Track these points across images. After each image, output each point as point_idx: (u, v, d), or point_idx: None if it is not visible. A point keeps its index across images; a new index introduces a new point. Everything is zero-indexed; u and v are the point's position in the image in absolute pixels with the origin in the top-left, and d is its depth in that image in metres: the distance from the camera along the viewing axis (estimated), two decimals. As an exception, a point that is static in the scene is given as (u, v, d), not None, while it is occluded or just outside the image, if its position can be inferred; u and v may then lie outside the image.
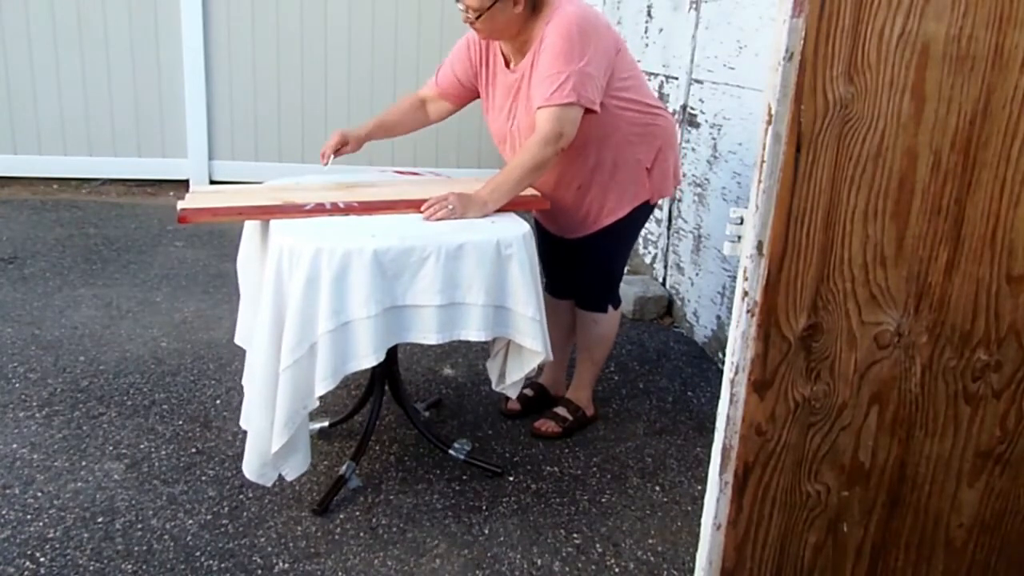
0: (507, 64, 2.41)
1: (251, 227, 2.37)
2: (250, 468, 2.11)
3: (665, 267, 3.96)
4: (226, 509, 2.25)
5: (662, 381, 3.20)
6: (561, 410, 2.77)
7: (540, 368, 2.69)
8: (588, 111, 2.25)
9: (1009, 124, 1.32)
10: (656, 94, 4.07)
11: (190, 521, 2.19)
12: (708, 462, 1.54)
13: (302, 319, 1.96)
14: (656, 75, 4.10)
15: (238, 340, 2.51)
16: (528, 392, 2.83)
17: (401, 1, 5.62)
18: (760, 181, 1.32)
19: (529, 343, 2.17)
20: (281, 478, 2.14)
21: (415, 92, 2.69)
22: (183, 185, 5.49)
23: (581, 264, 2.62)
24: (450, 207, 2.19)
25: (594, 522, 2.30)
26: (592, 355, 2.75)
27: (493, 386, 2.48)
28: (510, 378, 2.38)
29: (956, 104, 1.31)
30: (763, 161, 1.31)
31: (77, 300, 3.62)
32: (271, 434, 2.03)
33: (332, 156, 2.55)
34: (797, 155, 1.31)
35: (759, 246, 1.35)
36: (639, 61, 4.31)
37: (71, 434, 2.57)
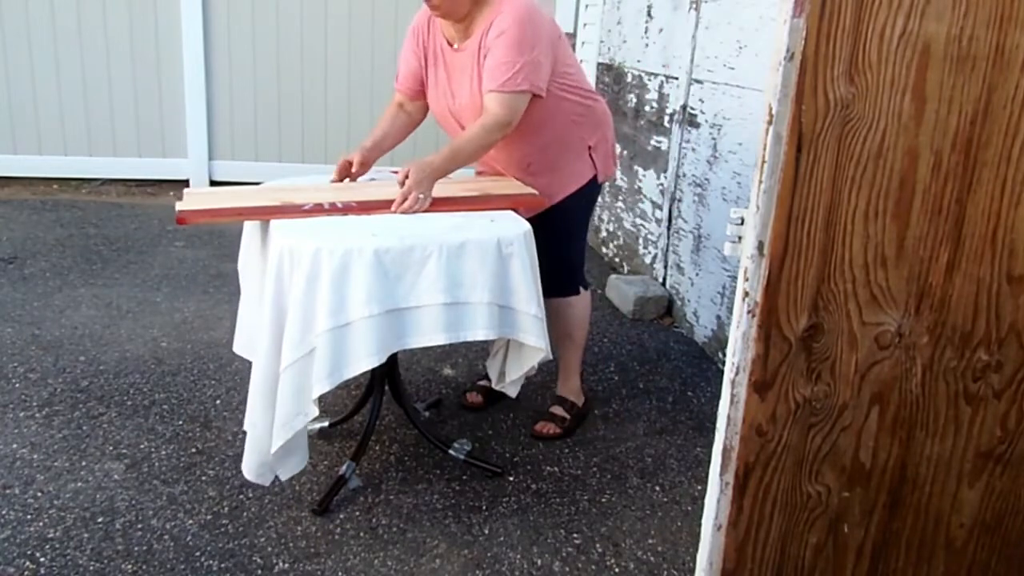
0: (450, 45, 2.49)
1: (250, 230, 2.37)
2: (249, 468, 2.11)
3: (665, 267, 3.96)
4: (226, 509, 2.25)
5: (662, 381, 3.20)
6: (557, 409, 2.78)
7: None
8: (535, 96, 2.37)
9: (1010, 124, 1.32)
10: (656, 94, 4.08)
11: (190, 521, 2.19)
12: (708, 462, 1.54)
13: (303, 319, 1.96)
14: (656, 75, 4.10)
15: (237, 348, 2.50)
16: (486, 383, 2.82)
17: (401, 1, 5.62)
18: (761, 181, 1.32)
19: (532, 341, 2.17)
20: (280, 478, 2.14)
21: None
22: (183, 185, 5.49)
23: (543, 250, 2.63)
24: (421, 196, 2.25)
25: (594, 522, 2.30)
26: (573, 339, 2.78)
27: (493, 385, 2.48)
28: (510, 376, 2.38)
29: (957, 104, 1.31)
30: (764, 161, 1.31)
31: (77, 300, 3.62)
32: (270, 434, 2.03)
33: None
34: (798, 155, 1.31)
35: (760, 246, 1.35)
36: (639, 61, 4.31)
37: (71, 434, 2.57)
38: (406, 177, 2.25)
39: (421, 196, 2.24)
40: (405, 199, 2.23)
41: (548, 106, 2.45)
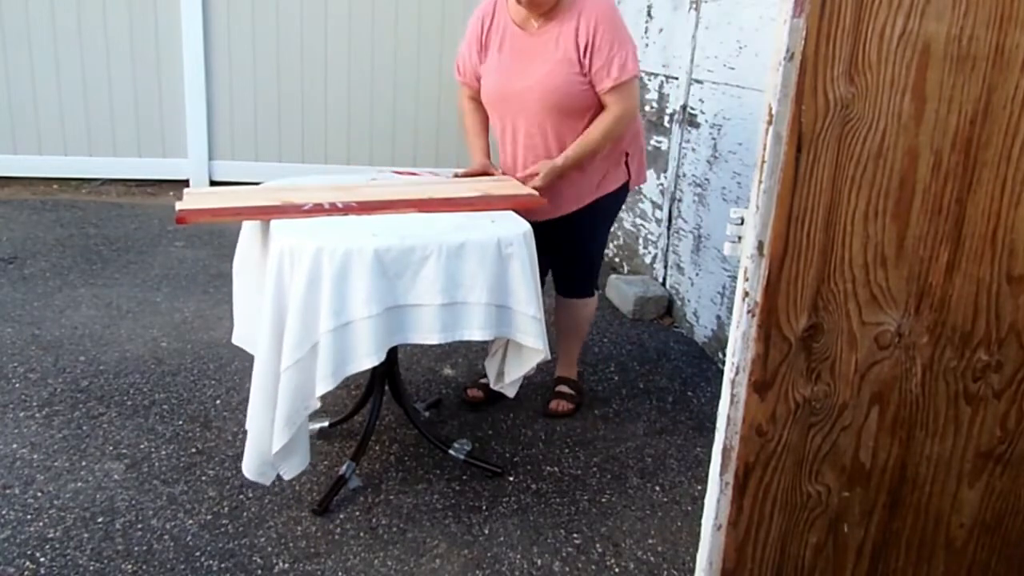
0: (521, 28, 2.56)
1: (248, 231, 2.37)
2: (249, 467, 2.11)
3: (665, 267, 3.96)
4: (226, 509, 2.25)
5: (662, 381, 3.20)
6: (565, 388, 2.91)
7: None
8: (596, 94, 2.50)
9: (1010, 124, 1.32)
10: (656, 94, 4.08)
11: (190, 521, 2.19)
12: (708, 462, 1.54)
13: (303, 319, 1.96)
14: (656, 75, 4.09)
15: (236, 339, 2.51)
16: (487, 380, 2.84)
17: (401, 1, 5.62)
18: (761, 181, 1.32)
19: (531, 342, 2.17)
20: (280, 478, 2.14)
21: (460, 104, 2.82)
22: (183, 185, 5.49)
23: (566, 248, 2.76)
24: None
25: (594, 522, 2.30)
26: (580, 334, 2.94)
27: (491, 385, 2.48)
28: (508, 377, 2.38)
29: (957, 104, 1.31)
30: (764, 161, 1.31)
31: (77, 300, 3.62)
32: (271, 433, 2.03)
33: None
34: (798, 155, 1.31)
35: (760, 246, 1.35)
36: (639, 61, 4.31)
37: (71, 434, 2.57)
38: (534, 175, 2.46)
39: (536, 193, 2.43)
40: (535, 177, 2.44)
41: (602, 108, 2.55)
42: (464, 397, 2.91)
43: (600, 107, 2.54)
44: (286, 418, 1.99)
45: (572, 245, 2.74)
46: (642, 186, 4.22)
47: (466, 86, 2.73)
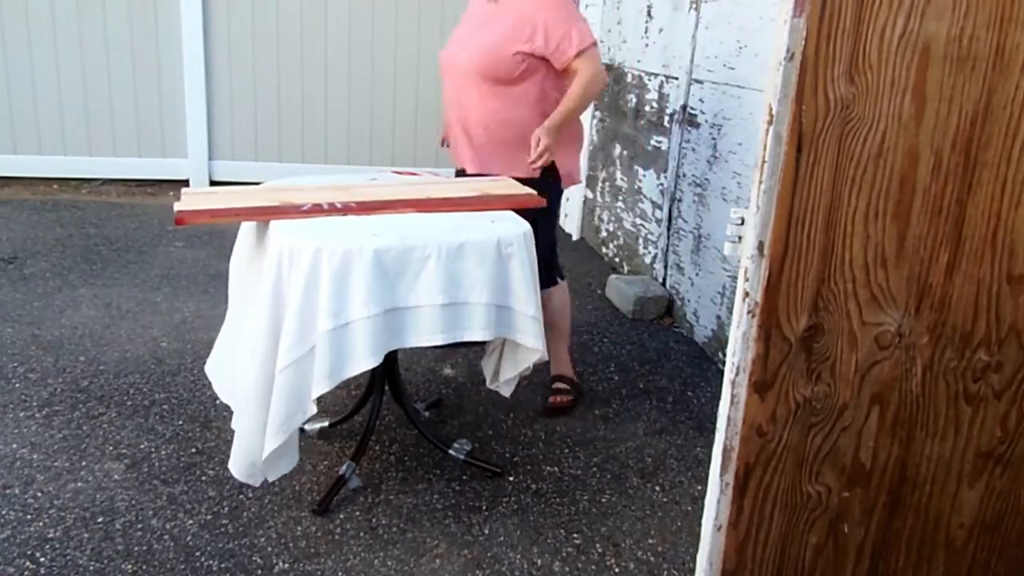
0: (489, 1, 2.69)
1: (244, 234, 2.36)
2: (238, 468, 2.08)
3: (665, 267, 3.96)
4: (226, 509, 2.25)
5: (662, 381, 3.20)
6: (561, 384, 2.92)
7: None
8: (543, 73, 2.61)
9: (1010, 124, 1.32)
10: (656, 94, 4.08)
11: (190, 521, 2.19)
12: (708, 462, 1.54)
13: (301, 319, 1.95)
14: (656, 75, 4.09)
15: (208, 370, 2.45)
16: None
17: (401, 1, 5.62)
18: (761, 182, 1.32)
19: (530, 343, 2.17)
20: (280, 478, 2.13)
21: None
22: (183, 185, 5.49)
23: None
24: (547, 155, 2.55)
25: (594, 522, 2.30)
26: (559, 328, 2.89)
27: (487, 384, 2.48)
28: (504, 376, 2.38)
29: (957, 104, 1.31)
30: (764, 162, 1.31)
31: (77, 300, 3.62)
32: (262, 434, 2.00)
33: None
34: (798, 156, 1.30)
35: (760, 247, 1.35)
36: (639, 61, 4.31)
37: (71, 434, 2.57)
38: (538, 142, 2.54)
39: (547, 156, 2.55)
40: (541, 156, 2.53)
41: (539, 91, 2.64)
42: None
43: (531, 85, 2.62)
44: (280, 423, 1.97)
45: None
46: (641, 186, 4.22)
47: None
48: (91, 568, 2.00)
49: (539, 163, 2.53)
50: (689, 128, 3.71)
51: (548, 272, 2.81)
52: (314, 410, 2.00)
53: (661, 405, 3.00)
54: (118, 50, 5.41)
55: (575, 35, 2.58)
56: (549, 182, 2.70)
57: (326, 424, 2.64)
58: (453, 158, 2.86)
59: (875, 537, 1.53)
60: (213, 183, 5.61)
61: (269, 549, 2.10)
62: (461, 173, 2.83)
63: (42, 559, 2.02)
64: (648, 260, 4.17)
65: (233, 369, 2.21)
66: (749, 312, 1.38)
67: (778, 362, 1.40)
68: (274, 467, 2.08)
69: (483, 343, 2.37)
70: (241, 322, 2.22)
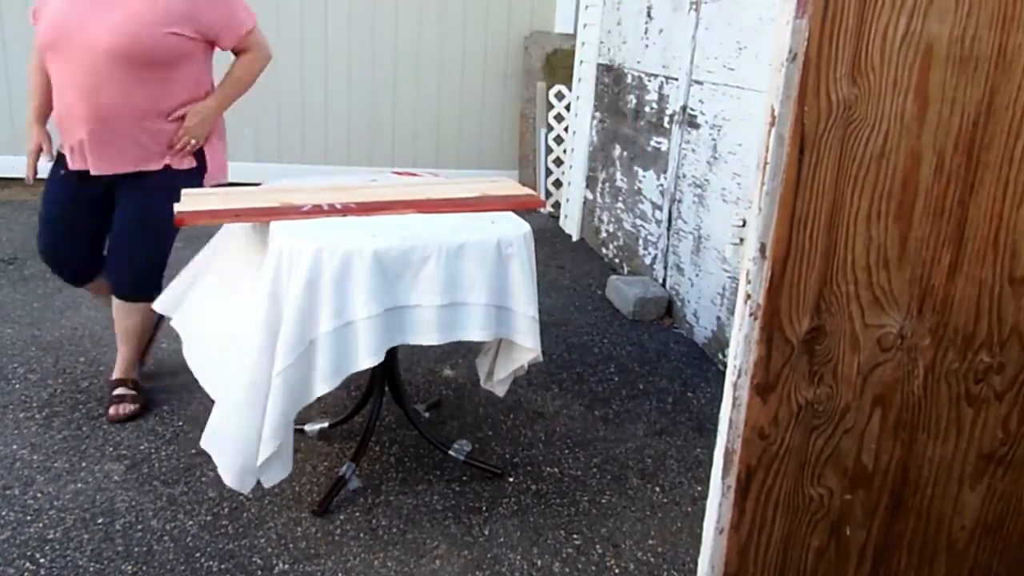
0: None
1: (235, 228, 2.35)
2: (231, 474, 2.02)
3: (665, 268, 3.95)
4: (226, 510, 2.24)
5: (662, 382, 3.19)
6: (123, 390, 2.74)
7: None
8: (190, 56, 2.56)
9: (1012, 125, 1.32)
10: (656, 95, 4.08)
11: (190, 522, 2.19)
12: (708, 463, 1.54)
13: (300, 320, 1.94)
14: (656, 76, 4.09)
15: (158, 306, 2.48)
16: None
17: (401, 1, 5.62)
18: (763, 183, 1.32)
19: (530, 344, 2.16)
20: (263, 485, 2.09)
21: (32, 59, 2.99)
22: (182, 185, 5.48)
23: (130, 220, 2.66)
24: (193, 141, 2.63)
25: (594, 523, 2.29)
26: (134, 342, 2.78)
27: (482, 383, 2.47)
28: (498, 375, 2.37)
29: (959, 105, 1.30)
30: (766, 163, 1.31)
31: (77, 301, 3.61)
32: (257, 440, 1.97)
33: None
34: (800, 157, 1.30)
35: (762, 248, 1.35)
36: (639, 62, 4.31)
37: (71, 435, 2.56)
38: (180, 119, 2.54)
39: (194, 141, 2.61)
40: (183, 148, 2.54)
41: (188, 76, 2.60)
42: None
43: (185, 70, 2.57)
44: (277, 424, 1.95)
45: (137, 216, 2.64)
46: (641, 186, 4.22)
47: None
48: (91, 569, 2.00)
49: (188, 149, 2.55)
50: (689, 129, 3.71)
51: (156, 278, 2.74)
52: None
53: (661, 406, 3.00)
54: (118, 50, 5.40)
55: (240, 17, 2.59)
56: (193, 174, 2.67)
57: (326, 425, 2.63)
58: (72, 159, 2.64)
59: (877, 539, 1.53)
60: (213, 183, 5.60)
61: (269, 550, 2.10)
62: (81, 175, 2.61)
63: (42, 560, 2.02)
64: (648, 261, 4.16)
65: (222, 369, 2.16)
66: (751, 314, 1.38)
67: (780, 364, 1.40)
68: (268, 471, 2.04)
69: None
70: (231, 320, 2.19)
